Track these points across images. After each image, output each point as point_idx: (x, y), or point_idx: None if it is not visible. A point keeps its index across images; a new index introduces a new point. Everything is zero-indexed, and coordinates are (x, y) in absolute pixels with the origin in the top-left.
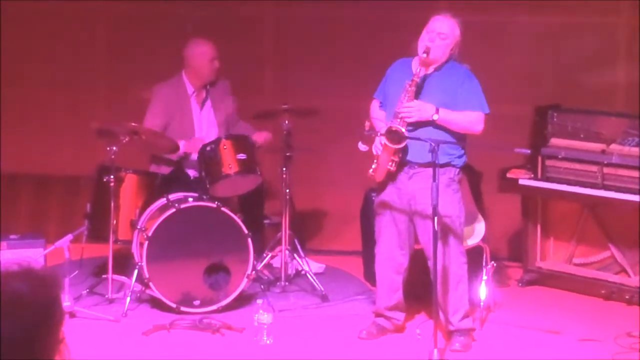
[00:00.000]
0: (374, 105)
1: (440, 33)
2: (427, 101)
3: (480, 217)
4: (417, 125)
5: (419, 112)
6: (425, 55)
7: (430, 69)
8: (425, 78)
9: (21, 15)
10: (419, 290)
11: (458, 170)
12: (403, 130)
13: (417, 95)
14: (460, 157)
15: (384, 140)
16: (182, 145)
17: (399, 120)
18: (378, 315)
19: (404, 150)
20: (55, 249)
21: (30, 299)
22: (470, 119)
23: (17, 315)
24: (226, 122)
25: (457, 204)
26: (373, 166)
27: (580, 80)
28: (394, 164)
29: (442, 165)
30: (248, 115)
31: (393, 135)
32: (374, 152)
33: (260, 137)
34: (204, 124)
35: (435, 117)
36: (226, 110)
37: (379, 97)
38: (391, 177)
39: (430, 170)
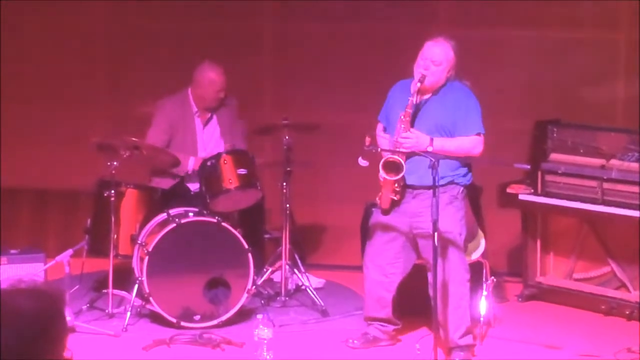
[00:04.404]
0: (379, 129)
1: (434, 60)
2: (425, 126)
3: (480, 232)
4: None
5: (416, 142)
6: (419, 84)
7: (428, 94)
8: (423, 103)
9: (21, 30)
10: (420, 306)
11: (462, 188)
12: (401, 160)
13: (414, 121)
14: (464, 175)
15: (383, 174)
16: (192, 162)
17: (396, 151)
18: (371, 321)
19: (404, 177)
20: (56, 263)
21: (35, 315)
22: (467, 145)
23: (21, 331)
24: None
25: (459, 221)
26: (380, 193)
27: (580, 96)
28: (397, 194)
29: (445, 185)
30: (248, 130)
31: (390, 166)
32: (380, 178)
33: None
34: (208, 143)
35: (430, 148)
36: (232, 134)
37: (382, 120)
38: (396, 204)
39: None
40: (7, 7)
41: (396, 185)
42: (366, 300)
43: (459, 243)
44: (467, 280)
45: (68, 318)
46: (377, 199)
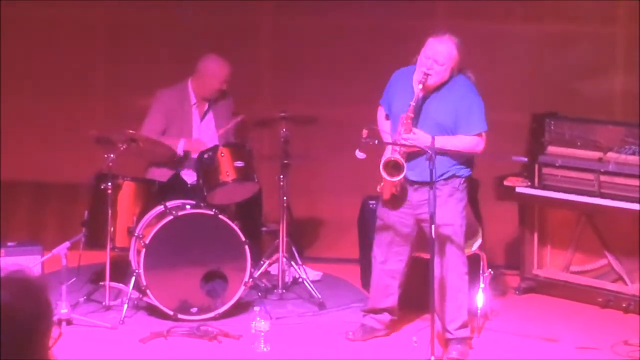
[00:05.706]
0: (380, 114)
1: (437, 60)
2: (426, 124)
3: (478, 227)
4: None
5: (417, 142)
6: (421, 86)
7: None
8: (425, 100)
9: (20, 25)
10: (417, 299)
11: (463, 179)
12: (402, 161)
13: (417, 118)
14: (465, 167)
15: (384, 175)
16: (182, 143)
17: (397, 151)
18: (367, 312)
19: (405, 175)
20: (53, 256)
21: (15, 309)
22: (469, 144)
23: (5, 325)
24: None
25: (460, 213)
26: (381, 183)
27: (577, 89)
28: (397, 190)
29: (447, 179)
30: (246, 123)
31: (391, 167)
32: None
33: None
34: (204, 135)
35: None
36: (226, 128)
37: (384, 105)
38: (397, 197)
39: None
40: (6, 2)
41: (396, 184)
42: (372, 290)
43: (460, 236)
44: (465, 273)
45: (64, 310)
46: (378, 188)
